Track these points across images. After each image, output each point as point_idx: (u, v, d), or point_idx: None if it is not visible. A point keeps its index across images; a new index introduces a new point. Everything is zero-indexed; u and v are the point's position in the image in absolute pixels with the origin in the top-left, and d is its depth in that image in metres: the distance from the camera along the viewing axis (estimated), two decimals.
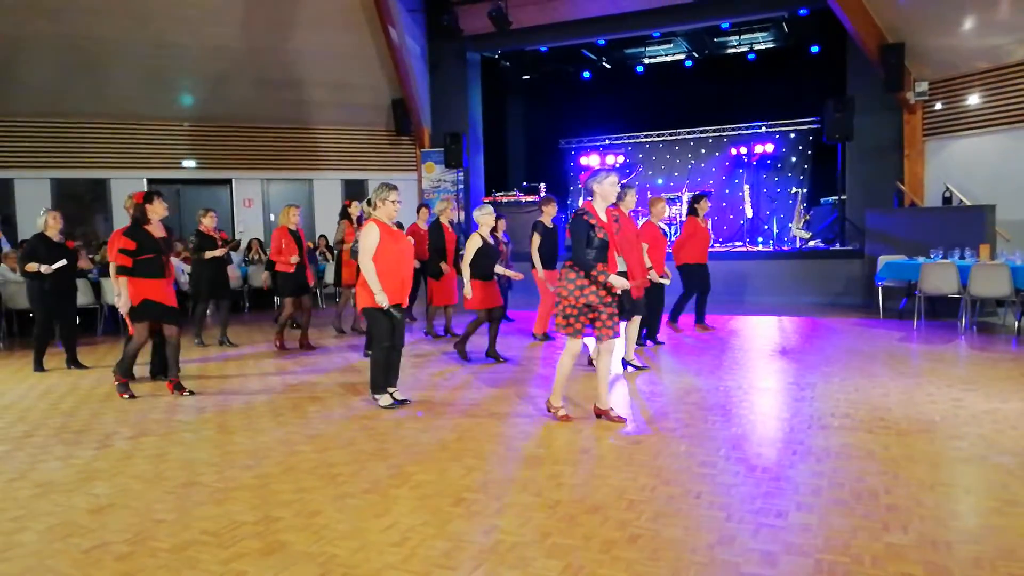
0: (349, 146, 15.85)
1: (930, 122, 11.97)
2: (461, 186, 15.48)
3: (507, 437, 4.78)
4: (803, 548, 3.06)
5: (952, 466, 4.10)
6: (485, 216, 7.27)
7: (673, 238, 11.35)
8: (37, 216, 7.58)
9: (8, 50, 12.41)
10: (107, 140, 14.24)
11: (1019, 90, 10.75)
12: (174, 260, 10.06)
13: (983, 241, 9.23)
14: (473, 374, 6.84)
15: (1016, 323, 8.46)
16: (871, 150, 12.48)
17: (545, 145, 18.03)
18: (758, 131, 16.04)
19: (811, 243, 13.00)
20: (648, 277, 7.32)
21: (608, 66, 16.58)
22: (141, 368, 6.90)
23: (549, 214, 8.22)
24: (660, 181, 16.94)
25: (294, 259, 8.27)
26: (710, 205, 9.92)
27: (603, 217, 4.95)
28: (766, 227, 14.83)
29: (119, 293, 6.12)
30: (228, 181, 15.30)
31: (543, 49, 15.66)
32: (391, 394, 5.69)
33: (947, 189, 10.89)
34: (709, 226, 10.90)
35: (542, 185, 15.13)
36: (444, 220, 8.89)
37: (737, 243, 14.53)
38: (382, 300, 5.33)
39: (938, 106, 11.78)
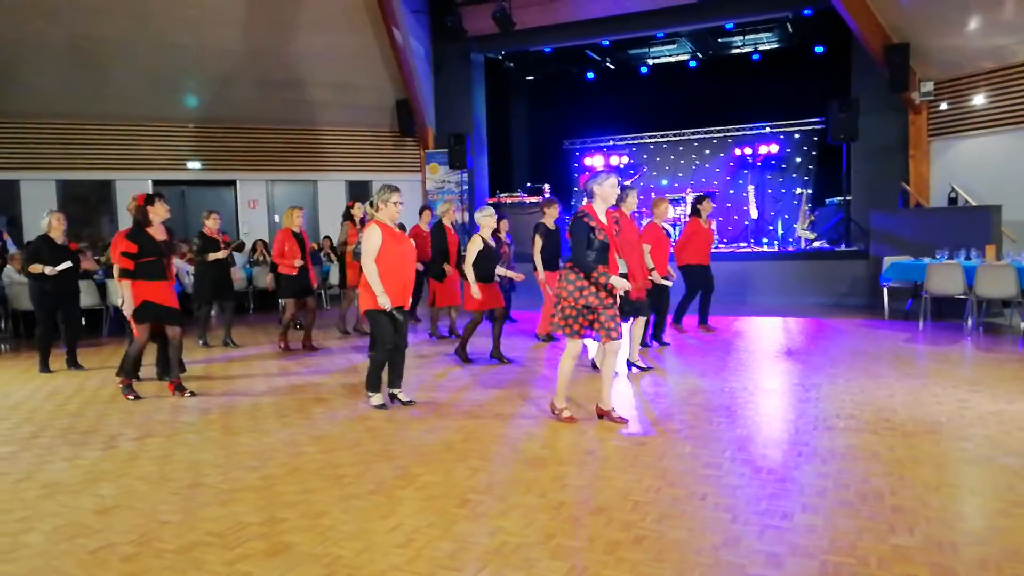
0: (353, 147, 15.87)
1: (935, 122, 11.94)
2: (465, 187, 15.49)
3: (512, 438, 4.78)
4: (808, 550, 3.05)
5: (958, 467, 4.09)
6: (486, 218, 7.30)
7: (677, 239, 11.33)
8: (41, 218, 7.61)
9: (12, 51, 12.44)
10: (112, 141, 14.28)
11: None
12: (178, 262, 10.14)
13: (989, 242, 9.20)
14: (476, 375, 6.84)
15: (1022, 324, 8.43)
16: (876, 150, 12.46)
17: (549, 146, 18.03)
18: (762, 132, 16.02)
19: (816, 244, 12.98)
20: (650, 278, 7.33)
21: (612, 67, 16.59)
22: (148, 369, 6.92)
23: (551, 216, 8.24)
24: (664, 182, 16.93)
25: (297, 263, 8.28)
26: (714, 206, 9.91)
27: (603, 219, 4.95)
28: (771, 228, 14.81)
29: (123, 295, 6.15)
30: (232, 182, 15.33)
31: (547, 50, 15.66)
32: (396, 395, 5.71)
33: (952, 189, 10.87)
34: (713, 227, 10.89)
35: (546, 186, 15.13)
36: (447, 222, 8.91)
37: (742, 244, 14.51)
38: (385, 302, 5.33)
39: (943, 106, 11.75)
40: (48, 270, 7.26)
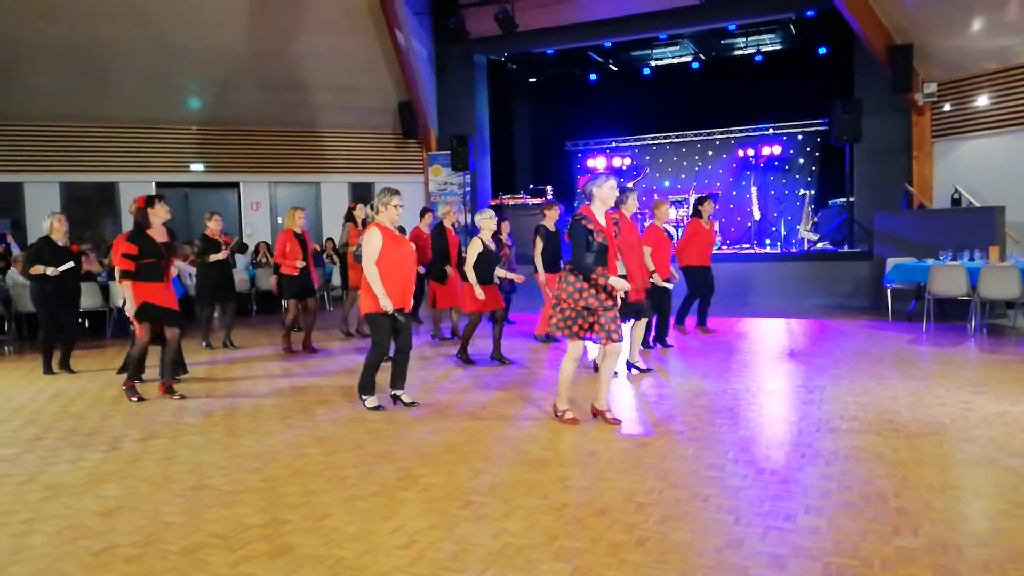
0: (356, 149, 15.89)
1: (939, 123, 11.92)
2: (468, 189, 15.50)
3: (514, 440, 4.78)
4: (812, 551, 3.04)
5: (961, 469, 4.08)
6: (486, 220, 7.31)
7: (678, 240, 11.33)
8: (44, 220, 7.63)
9: (13, 52, 12.46)
10: (115, 144, 14.32)
11: None
12: (181, 264, 10.16)
13: (992, 243, 9.18)
14: (478, 377, 6.84)
15: None
16: (879, 151, 12.44)
17: (551, 148, 18.03)
18: (765, 133, 16.00)
19: (819, 245, 12.96)
20: (651, 280, 7.33)
21: (615, 68, 16.58)
22: (152, 371, 6.93)
23: (552, 218, 8.26)
24: (667, 183, 16.92)
25: (300, 263, 8.29)
26: (715, 207, 9.89)
27: (602, 221, 4.95)
28: (774, 229, 14.79)
29: (124, 297, 6.17)
30: (236, 184, 15.36)
31: (550, 52, 15.66)
32: (399, 396, 5.71)
33: (956, 191, 10.84)
34: (716, 228, 10.88)
35: (548, 188, 15.13)
36: (447, 223, 8.94)
37: (745, 245, 14.49)
38: (386, 304, 5.34)
39: (947, 107, 11.73)
40: (50, 271, 7.28)
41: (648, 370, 6.83)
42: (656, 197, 12.43)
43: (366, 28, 13.94)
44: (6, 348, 9.43)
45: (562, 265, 6.42)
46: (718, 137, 16.56)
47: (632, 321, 6.64)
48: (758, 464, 4.16)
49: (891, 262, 9.92)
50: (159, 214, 6.31)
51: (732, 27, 14.22)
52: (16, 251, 11.40)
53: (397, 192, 5.57)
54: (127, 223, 12.73)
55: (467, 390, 6.30)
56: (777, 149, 15.72)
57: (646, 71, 16.29)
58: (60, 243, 7.46)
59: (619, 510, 3.53)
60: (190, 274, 10.24)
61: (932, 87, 11.61)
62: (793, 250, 13.15)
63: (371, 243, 5.39)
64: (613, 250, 4.96)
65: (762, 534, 3.22)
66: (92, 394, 6.57)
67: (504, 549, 3.15)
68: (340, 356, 8.26)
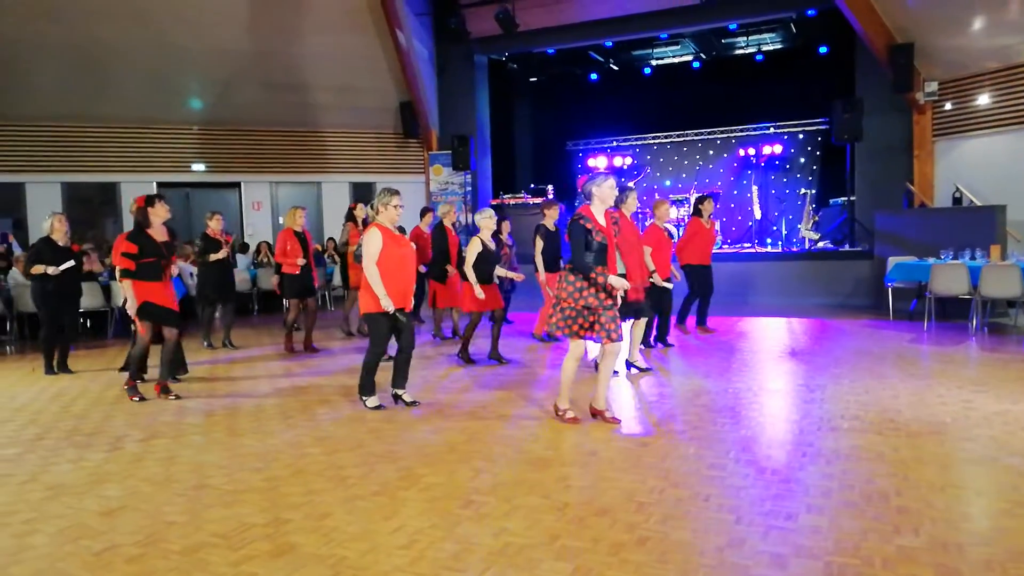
0: (357, 149, 15.90)
1: (940, 122, 11.91)
2: (469, 188, 15.50)
3: (515, 439, 4.78)
4: (813, 550, 3.04)
5: (963, 468, 4.08)
6: (485, 220, 7.32)
7: (678, 239, 11.33)
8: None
9: (13, 52, 12.48)
10: (116, 144, 14.34)
11: None
12: (183, 264, 10.17)
13: (994, 242, 9.18)
14: (479, 376, 6.84)
15: None
16: (880, 151, 12.43)
17: (552, 147, 18.04)
18: (766, 132, 16.00)
19: (820, 244, 12.95)
20: (651, 280, 7.33)
21: (615, 68, 16.58)
22: (155, 371, 6.93)
23: (551, 217, 8.27)
24: (668, 183, 16.92)
25: (300, 260, 8.30)
26: (715, 207, 9.89)
27: (601, 220, 4.95)
28: (775, 228, 14.78)
29: (125, 295, 6.18)
30: (237, 184, 15.38)
31: (550, 51, 15.67)
32: (400, 396, 5.72)
33: (957, 189, 10.84)
34: (717, 227, 10.86)
35: (549, 187, 15.13)
36: (447, 223, 8.95)
37: (746, 244, 14.49)
38: (387, 305, 5.34)
39: (948, 106, 11.73)
40: (51, 270, 7.29)
41: (648, 369, 6.83)
42: (657, 196, 12.43)
43: (367, 28, 13.95)
44: (8, 348, 9.45)
45: (562, 265, 6.42)
46: (719, 136, 16.56)
47: (631, 320, 6.64)
48: (759, 463, 4.16)
49: (892, 261, 9.91)
50: (159, 213, 6.32)
51: (733, 26, 14.22)
52: (18, 251, 11.41)
53: (397, 192, 5.58)
54: (128, 223, 12.72)
55: (468, 389, 6.30)
56: (778, 148, 15.72)
57: (647, 70, 16.28)
58: (61, 243, 7.47)
59: (620, 509, 3.53)
60: (191, 274, 10.25)
61: (933, 86, 11.61)
62: (794, 249, 13.14)
63: (371, 244, 5.39)
64: (613, 249, 4.97)
65: (763, 533, 3.22)
66: (94, 394, 6.57)
67: (505, 548, 3.15)
68: (341, 356, 8.27)
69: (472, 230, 7.43)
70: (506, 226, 8.55)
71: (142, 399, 6.18)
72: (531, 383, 6.48)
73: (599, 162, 17.21)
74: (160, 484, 4.12)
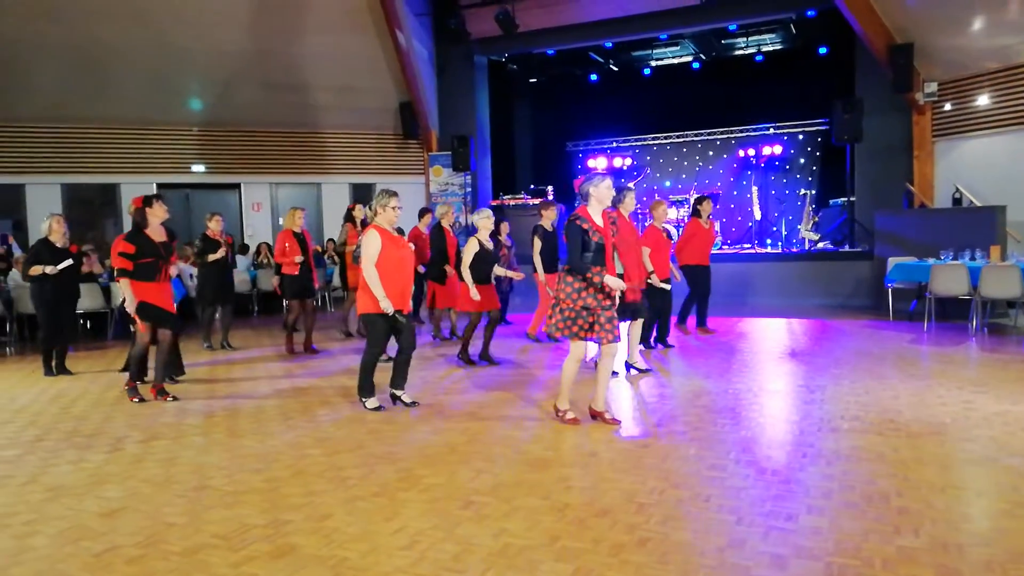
0: (357, 150, 15.90)
1: (939, 123, 11.92)
2: (468, 189, 15.50)
3: (515, 440, 4.78)
4: (813, 551, 3.04)
5: (963, 469, 4.08)
6: (483, 220, 7.32)
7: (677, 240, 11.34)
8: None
9: (12, 52, 12.47)
10: (116, 145, 14.34)
11: None
12: (183, 265, 10.17)
13: (993, 242, 9.18)
14: (478, 377, 6.84)
15: None
16: (880, 151, 12.44)
17: (552, 148, 18.04)
18: (766, 133, 16.00)
19: (820, 245, 12.96)
20: (649, 281, 7.33)
21: (615, 69, 16.58)
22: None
23: (549, 218, 8.27)
24: (668, 183, 16.92)
25: (298, 258, 8.29)
26: (715, 207, 9.89)
27: (598, 220, 4.95)
28: (775, 229, 14.79)
29: (124, 295, 6.18)
30: (237, 185, 15.38)
31: (550, 52, 15.67)
32: (400, 397, 5.72)
33: (957, 190, 10.84)
34: (716, 228, 10.87)
35: (549, 188, 15.12)
36: (446, 224, 8.95)
37: (746, 245, 14.49)
38: (387, 306, 5.34)
39: (947, 107, 11.73)
40: (49, 269, 7.28)
41: (647, 370, 6.82)
42: (656, 197, 12.43)
43: (366, 29, 13.96)
44: (7, 349, 9.44)
45: (560, 265, 6.42)
46: (719, 137, 16.56)
47: (629, 321, 6.64)
48: (760, 464, 4.16)
49: (892, 262, 9.92)
50: (157, 214, 6.31)
51: (733, 27, 14.22)
52: (18, 252, 11.41)
53: (395, 194, 5.59)
54: (128, 224, 12.76)
55: (467, 390, 6.30)
56: (778, 149, 15.72)
57: (646, 71, 16.28)
58: (59, 244, 7.46)
59: (620, 510, 3.53)
60: (191, 275, 10.24)
61: (933, 86, 11.61)
62: (794, 250, 13.15)
63: (370, 245, 5.39)
64: (610, 249, 4.97)
65: (764, 534, 3.22)
66: (94, 395, 6.57)
67: (505, 549, 3.15)
68: (341, 357, 8.27)
69: (472, 231, 7.43)
70: (505, 227, 8.56)
71: (142, 400, 6.17)
72: (531, 384, 6.48)
73: (599, 163, 17.22)
74: (160, 485, 4.12)
